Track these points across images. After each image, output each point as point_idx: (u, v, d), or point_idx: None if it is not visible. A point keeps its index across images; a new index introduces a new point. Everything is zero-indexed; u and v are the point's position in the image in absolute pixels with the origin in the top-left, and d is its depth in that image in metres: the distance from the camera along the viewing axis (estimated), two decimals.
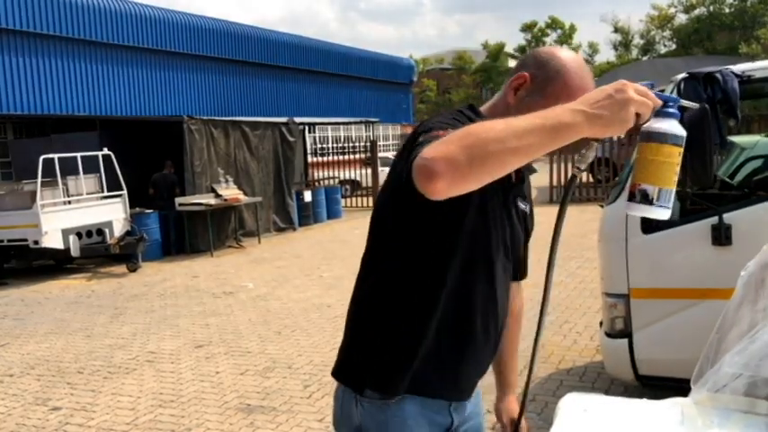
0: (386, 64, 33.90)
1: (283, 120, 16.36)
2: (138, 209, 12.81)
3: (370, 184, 20.25)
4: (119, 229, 12.09)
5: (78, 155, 11.69)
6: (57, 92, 17.68)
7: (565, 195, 1.44)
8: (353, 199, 20.92)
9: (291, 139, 16.07)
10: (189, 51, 21.68)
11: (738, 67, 3.53)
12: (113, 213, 12.21)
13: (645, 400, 2.26)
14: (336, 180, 21.00)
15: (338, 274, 10.08)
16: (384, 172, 26.18)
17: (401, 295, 1.58)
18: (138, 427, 4.68)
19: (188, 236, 13.22)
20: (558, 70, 1.51)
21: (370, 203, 20.46)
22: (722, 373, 2.11)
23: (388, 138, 35.58)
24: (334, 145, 26.23)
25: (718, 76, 3.37)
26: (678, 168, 1.26)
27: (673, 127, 1.25)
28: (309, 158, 22.21)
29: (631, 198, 1.28)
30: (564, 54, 1.55)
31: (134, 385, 5.57)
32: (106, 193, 12.20)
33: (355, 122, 24.70)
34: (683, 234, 3.64)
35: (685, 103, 1.33)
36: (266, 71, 25.48)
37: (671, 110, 1.27)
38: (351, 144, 25.47)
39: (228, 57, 23.34)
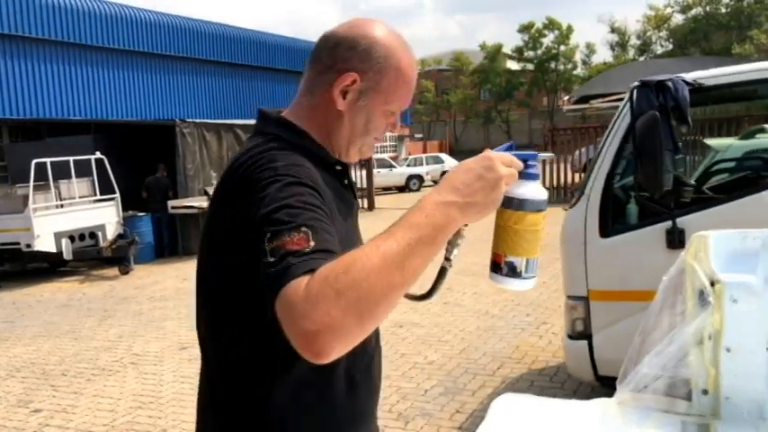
0: None
1: None
2: (131, 212, 12.92)
3: (364, 185, 20.40)
4: (111, 232, 12.21)
5: (71, 159, 11.80)
6: (52, 96, 17.76)
7: (432, 288, 1.27)
8: None
9: None
10: (184, 54, 21.75)
11: (690, 76, 3.62)
12: (106, 216, 12.33)
13: (574, 401, 2.35)
14: None
15: None
16: (381, 173, 26.30)
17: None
18: (115, 428, 4.77)
19: (180, 238, 13.33)
20: (385, 56, 1.32)
21: (365, 204, 20.57)
22: (642, 373, 2.20)
23: (385, 139, 35.71)
24: None
25: (669, 84, 3.46)
26: (542, 234, 1.19)
27: (535, 192, 1.17)
28: None
29: (496, 270, 1.19)
30: (380, 33, 1.34)
31: (116, 387, 5.66)
32: (99, 197, 12.31)
33: None
34: (639, 237, 3.73)
35: (544, 155, 1.31)
36: (262, 73, 25.58)
37: (532, 171, 1.18)
38: None
39: (224, 60, 23.43)
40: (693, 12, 40.19)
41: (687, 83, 3.52)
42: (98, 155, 12.12)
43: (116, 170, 12.21)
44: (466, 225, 1.17)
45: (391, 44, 1.34)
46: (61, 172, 11.83)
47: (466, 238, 1.21)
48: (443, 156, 31.91)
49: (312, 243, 1.06)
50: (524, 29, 48.68)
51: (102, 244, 11.85)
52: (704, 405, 2.17)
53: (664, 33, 42.88)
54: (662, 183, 3.36)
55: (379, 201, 22.46)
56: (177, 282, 10.65)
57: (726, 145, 6.20)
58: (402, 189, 27.39)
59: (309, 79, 1.38)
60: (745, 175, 4.65)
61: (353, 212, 1.47)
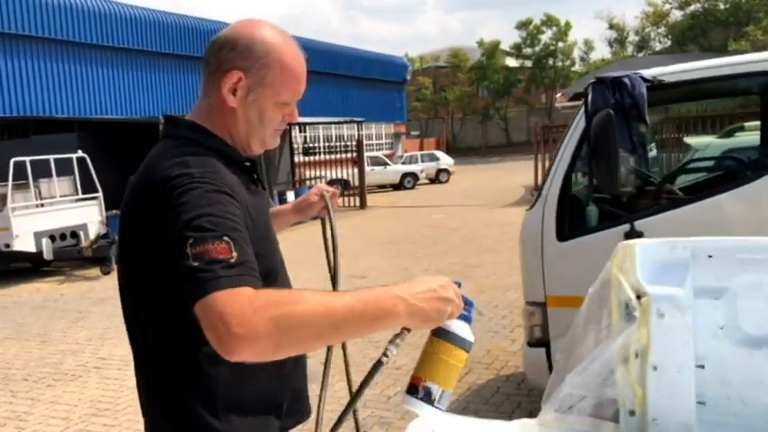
0: (378, 63, 33.84)
1: None
2: (114, 211, 12.76)
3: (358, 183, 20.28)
4: (94, 231, 12.06)
5: (51, 157, 11.66)
6: (37, 93, 17.64)
7: (365, 381, 1.25)
8: (342, 199, 20.86)
9: None
10: (172, 51, 21.62)
11: (650, 72, 3.46)
12: (88, 216, 12.18)
13: (495, 421, 2.21)
14: (323, 180, 20.94)
15: (309, 276, 9.90)
16: (375, 170, 26.16)
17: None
18: None
19: None
20: (266, 52, 1.40)
21: (357, 203, 20.43)
22: (566, 393, 2.05)
23: (381, 137, 35.55)
24: (325, 144, 26.17)
25: (626, 80, 3.30)
26: (460, 374, 1.29)
27: (468, 333, 1.29)
28: (300, 158, 22.18)
29: (412, 392, 1.26)
30: (260, 32, 1.42)
31: (75, 393, 5.52)
32: (81, 196, 12.17)
33: (341, 122, 24.60)
34: (597, 241, 3.56)
35: (480, 309, 1.37)
36: None
37: (469, 315, 1.30)
38: (342, 143, 25.38)
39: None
40: (692, 8, 39.97)
41: (645, 80, 3.35)
42: (80, 153, 11.97)
43: (101, 168, 12.06)
44: (408, 331, 1.23)
45: (271, 40, 1.42)
46: (42, 171, 11.69)
47: (405, 342, 1.24)
48: (438, 153, 31.76)
49: (235, 254, 1.16)
50: (522, 25, 48.51)
51: (83, 244, 11.71)
52: (631, 427, 2.02)
53: (662, 30, 42.65)
54: (616, 183, 3.21)
55: (374, 199, 22.34)
56: None
57: (705, 143, 6.05)
58: (397, 187, 27.22)
59: (204, 82, 1.48)
60: (712, 175, 4.49)
61: (264, 205, 1.58)
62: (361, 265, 10.62)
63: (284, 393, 1.56)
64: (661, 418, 1.96)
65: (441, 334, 1.27)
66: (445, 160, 30.34)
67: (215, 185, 1.27)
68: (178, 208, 1.21)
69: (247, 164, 1.51)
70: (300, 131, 25.85)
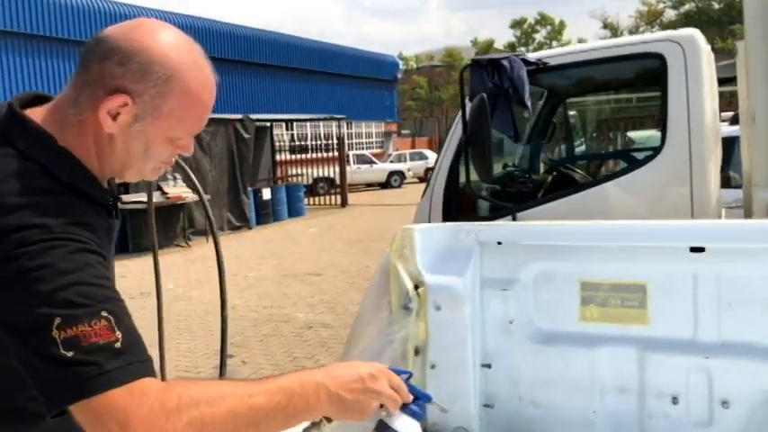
0: (369, 61, 33.67)
1: (238, 116, 16.15)
2: None
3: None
4: None
5: None
6: (9, 89, 17.49)
7: None
8: (324, 197, 20.74)
9: (246, 135, 15.84)
10: None
11: (534, 54, 3.27)
12: None
13: None
14: (301, 177, 20.81)
15: (264, 274, 9.87)
16: (361, 169, 25.99)
17: None
18: None
19: (130, 235, 13.01)
20: (167, 78, 1.08)
21: (338, 201, 20.25)
22: None
23: (372, 135, 35.37)
24: (312, 142, 26.02)
25: (504, 63, 3.11)
26: None
27: (411, 428, 1.14)
28: (287, 156, 22.04)
29: None
30: (162, 47, 1.09)
31: None
32: None
33: (320, 119, 24.43)
34: None
35: (438, 404, 1.24)
36: (242, 68, 25.25)
37: (417, 409, 1.16)
38: (326, 142, 25.22)
39: None
40: (686, 7, 39.82)
41: (527, 62, 3.17)
42: None
43: None
44: (329, 421, 1.13)
45: (176, 61, 1.10)
46: None
47: None
48: (427, 152, 31.55)
49: (118, 334, 0.91)
50: (517, 24, 48.29)
51: None
52: None
53: (656, 29, 42.38)
54: (489, 171, 3.02)
55: (358, 197, 22.17)
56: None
57: (646, 136, 5.88)
58: (384, 185, 27.03)
59: (76, 87, 1.11)
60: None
61: (113, 241, 1.28)
62: (320, 263, 10.46)
63: None
64: (441, 423, 1.77)
65: (379, 429, 1.14)
66: (434, 159, 30.14)
67: (80, 242, 0.98)
68: (33, 273, 0.90)
69: (110, 200, 1.19)
70: (287, 129, 25.68)
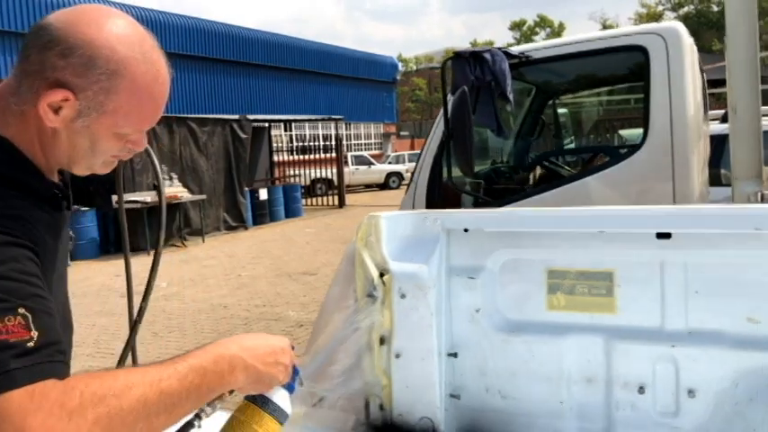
0: (367, 62, 33.63)
1: (235, 116, 16.14)
2: (74, 206, 12.58)
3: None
4: None
5: None
6: None
7: None
8: (322, 198, 20.73)
9: (243, 136, 15.82)
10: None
11: (518, 48, 3.24)
12: None
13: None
14: (298, 178, 20.80)
15: (258, 273, 9.85)
16: (360, 170, 25.98)
17: None
18: None
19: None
20: (112, 73, 1.02)
21: (336, 202, 20.22)
22: (311, 385, 1.83)
23: (370, 136, 35.35)
24: (312, 144, 26.00)
25: (486, 56, 3.08)
26: None
27: (288, 404, 1.16)
28: (285, 157, 22.02)
29: None
30: (109, 39, 1.02)
31: None
32: None
33: (317, 119, 24.42)
34: None
35: (302, 379, 1.23)
36: (240, 69, 25.22)
37: (292, 382, 1.17)
38: (326, 143, 25.21)
39: (198, 54, 23.10)
40: (685, 9, 39.83)
41: (510, 55, 3.14)
42: None
43: None
44: (231, 392, 1.07)
45: (123, 55, 1.03)
46: None
47: (226, 403, 1.11)
48: None
49: (34, 333, 0.86)
50: (516, 26, 48.28)
51: None
52: (378, 424, 1.81)
53: None
54: (471, 165, 2.99)
55: (356, 198, 22.14)
56: (108, 278, 10.33)
57: (637, 135, 5.85)
58: (383, 186, 27.01)
59: (18, 75, 1.06)
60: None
61: (65, 232, 1.23)
62: (315, 263, 10.43)
63: None
64: (407, 414, 1.75)
65: (259, 401, 1.13)
66: None
67: (10, 236, 0.94)
68: None
69: (57, 192, 1.14)
70: (286, 130, 25.66)
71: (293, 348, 1.17)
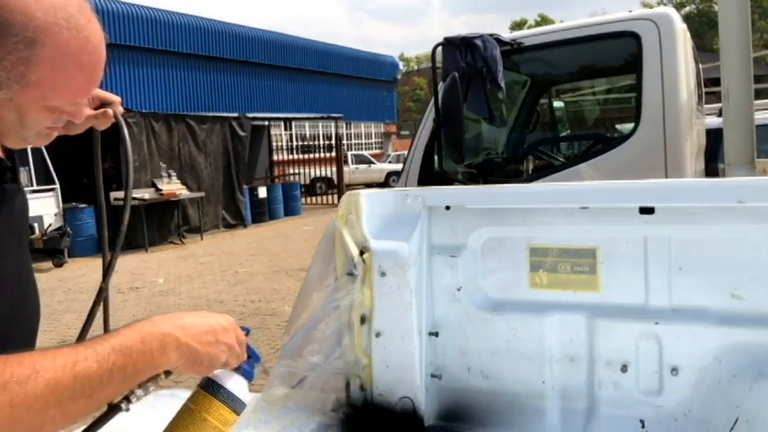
0: (368, 61, 33.59)
1: (234, 114, 16.12)
2: (72, 203, 12.58)
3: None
4: (50, 223, 11.87)
5: None
6: None
7: (92, 425, 1.00)
8: (321, 196, 20.73)
9: (242, 133, 15.81)
10: (131, 44, 21.22)
11: (510, 35, 3.22)
12: (44, 208, 11.96)
13: None
14: (298, 177, 20.79)
15: (255, 270, 9.82)
16: (360, 169, 25.96)
17: None
18: None
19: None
20: (31, 41, 0.92)
21: (336, 201, 20.20)
22: (290, 364, 1.81)
23: (371, 136, 35.33)
24: (312, 143, 25.96)
25: (477, 42, 3.06)
26: None
27: (243, 392, 1.07)
28: (285, 155, 22.01)
29: None
30: (32, 6, 0.92)
31: None
32: (36, 187, 11.96)
33: (317, 117, 24.41)
34: None
35: (265, 365, 1.18)
36: (241, 68, 25.19)
37: (248, 368, 1.10)
38: (326, 142, 25.17)
39: (197, 52, 23.06)
40: (686, 9, 39.76)
41: (501, 42, 3.12)
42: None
43: (63, 160, 11.84)
44: (168, 374, 1.00)
45: (42, 21, 0.92)
46: None
47: (158, 386, 1.01)
48: None
49: None
50: (517, 26, 48.26)
51: (35, 235, 11.50)
52: (359, 404, 1.78)
53: None
54: (461, 152, 2.97)
55: None
56: None
57: (630, 127, 5.81)
58: (382, 186, 26.98)
59: None
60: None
61: (15, 209, 1.13)
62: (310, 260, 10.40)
63: None
64: (387, 394, 1.72)
65: (211, 388, 1.05)
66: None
67: None
68: None
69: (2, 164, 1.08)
70: (286, 129, 25.64)
71: (248, 334, 1.10)
